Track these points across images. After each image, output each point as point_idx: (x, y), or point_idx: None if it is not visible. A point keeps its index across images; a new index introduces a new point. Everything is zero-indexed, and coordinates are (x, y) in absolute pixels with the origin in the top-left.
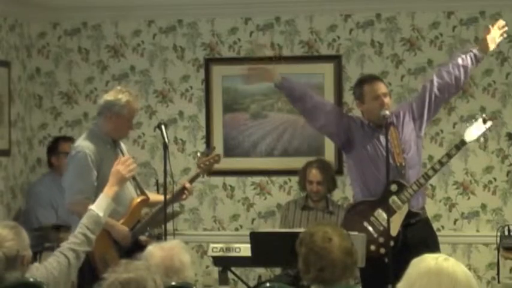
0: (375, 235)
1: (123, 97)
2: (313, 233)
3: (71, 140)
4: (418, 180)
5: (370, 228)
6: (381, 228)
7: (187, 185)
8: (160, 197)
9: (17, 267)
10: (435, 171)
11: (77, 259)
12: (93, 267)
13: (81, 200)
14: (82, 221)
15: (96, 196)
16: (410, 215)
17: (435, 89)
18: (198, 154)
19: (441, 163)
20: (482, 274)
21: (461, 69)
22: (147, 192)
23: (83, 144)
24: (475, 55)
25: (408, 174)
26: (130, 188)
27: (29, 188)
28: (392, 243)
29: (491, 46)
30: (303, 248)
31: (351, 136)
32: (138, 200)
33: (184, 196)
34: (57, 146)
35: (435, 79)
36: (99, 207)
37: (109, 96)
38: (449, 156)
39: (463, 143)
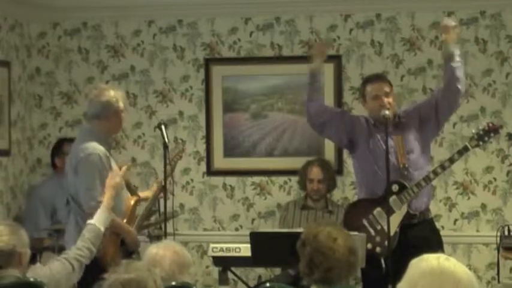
0: (372, 234)
1: (113, 93)
2: (317, 233)
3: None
4: (419, 182)
5: (368, 227)
6: (379, 227)
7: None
8: (147, 193)
9: (14, 264)
10: (436, 174)
11: (80, 268)
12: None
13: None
14: (87, 236)
15: None
16: (409, 216)
17: (438, 94)
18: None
19: (443, 167)
20: (482, 274)
21: (446, 74)
22: (134, 189)
23: (92, 146)
24: (444, 54)
25: (413, 176)
26: (124, 189)
27: (32, 190)
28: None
29: (447, 38)
30: (307, 248)
31: (354, 137)
32: (133, 201)
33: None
34: (61, 147)
35: (439, 86)
36: (100, 221)
37: (104, 97)
38: (451, 161)
39: (466, 148)
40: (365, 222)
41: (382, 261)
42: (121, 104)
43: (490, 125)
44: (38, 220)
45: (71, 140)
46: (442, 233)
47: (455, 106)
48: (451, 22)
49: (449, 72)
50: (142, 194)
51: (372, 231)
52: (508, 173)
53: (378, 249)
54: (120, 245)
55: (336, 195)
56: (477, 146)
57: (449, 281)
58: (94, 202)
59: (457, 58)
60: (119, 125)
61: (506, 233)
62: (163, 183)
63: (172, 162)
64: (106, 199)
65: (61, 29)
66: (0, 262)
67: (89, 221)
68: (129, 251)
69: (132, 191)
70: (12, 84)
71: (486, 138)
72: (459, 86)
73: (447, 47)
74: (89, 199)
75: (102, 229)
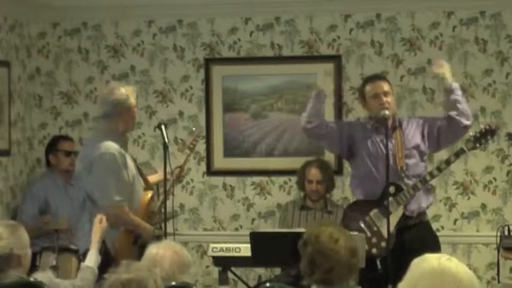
0: (369, 235)
1: (123, 90)
2: (318, 234)
3: (70, 139)
4: (415, 184)
5: (365, 228)
6: (375, 228)
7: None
8: (159, 176)
9: (13, 265)
10: (433, 176)
11: None
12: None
13: (119, 203)
14: (88, 278)
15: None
16: (405, 217)
17: (444, 122)
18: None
19: (439, 169)
20: (482, 274)
21: (448, 106)
22: (148, 179)
23: (107, 145)
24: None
25: (410, 180)
26: (139, 184)
27: (27, 187)
28: (384, 244)
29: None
30: (308, 248)
31: (354, 145)
32: (148, 196)
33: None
34: (56, 144)
35: (446, 119)
36: (94, 263)
37: (114, 95)
38: (447, 163)
39: (462, 151)
40: (362, 224)
41: (378, 262)
42: (132, 100)
43: (487, 127)
44: (28, 217)
45: (65, 138)
46: (442, 233)
47: (460, 138)
48: (443, 62)
49: (451, 105)
50: (152, 178)
51: (368, 233)
52: (508, 173)
53: (374, 250)
54: (135, 242)
55: (336, 195)
56: (473, 148)
57: (450, 282)
58: (109, 202)
59: (458, 92)
60: (132, 122)
61: (506, 233)
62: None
63: (191, 146)
64: (94, 242)
65: (61, 29)
66: None
67: (86, 264)
68: (144, 247)
69: (147, 184)
70: (12, 84)
71: (483, 141)
72: (467, 123)
73: (445, 80)
74: (104, 199)
75: (96, 271)
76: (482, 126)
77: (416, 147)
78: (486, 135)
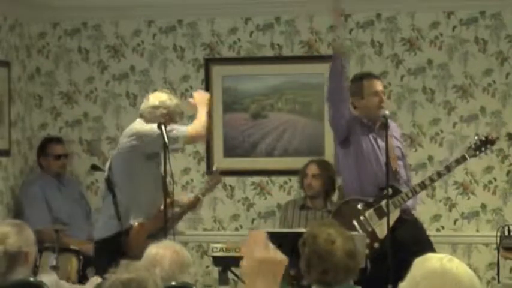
0: None
1: (173, 99)
2: (316, 235)
3: (61, 142)
4: (414, 187)
5: (358, 227)
6: (369, 229)
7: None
8: (182, 197)
9: (21, 263)
10: (432, 181)
11: None
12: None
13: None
14: None
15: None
16: (400, 220)
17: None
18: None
19: (439, 174)
20: (482, 274)
21: None
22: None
23: None
24: None
25: (402, 182)
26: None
27: (22, 188)
28: (377, 245)
29: None
30: (306, 248)
31: (350, 134)
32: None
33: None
34: (46, 148)
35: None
36: None
37: (164, 101)
38: (448, 169)
39: (464, 158)
40: (355, 222)
41: (368, 262)
42: (170, 110)
43: (489, 137)
44: (28, 218)
45: (56, 141)
46: (442, 233)
47: None
48: None
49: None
50: (177, 197)
51: (361, 232)
52: (508, 173)
53: (366, 250)
54: (148, 236)
55: (336, 195)
56: (474, 156)
57: (451, 283)
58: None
59: None
60: None
61: (506, 233)
62: (200, 197)
63: (208, 186)
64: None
65: (61, 29)
66: (7, 264)
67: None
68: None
69: (168, 193)
70: (12, 84)
71: (483, 149)
72: None
73: None
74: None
75: None
76: (481, 135)
77: (401, 152)
78: (486, 144)
